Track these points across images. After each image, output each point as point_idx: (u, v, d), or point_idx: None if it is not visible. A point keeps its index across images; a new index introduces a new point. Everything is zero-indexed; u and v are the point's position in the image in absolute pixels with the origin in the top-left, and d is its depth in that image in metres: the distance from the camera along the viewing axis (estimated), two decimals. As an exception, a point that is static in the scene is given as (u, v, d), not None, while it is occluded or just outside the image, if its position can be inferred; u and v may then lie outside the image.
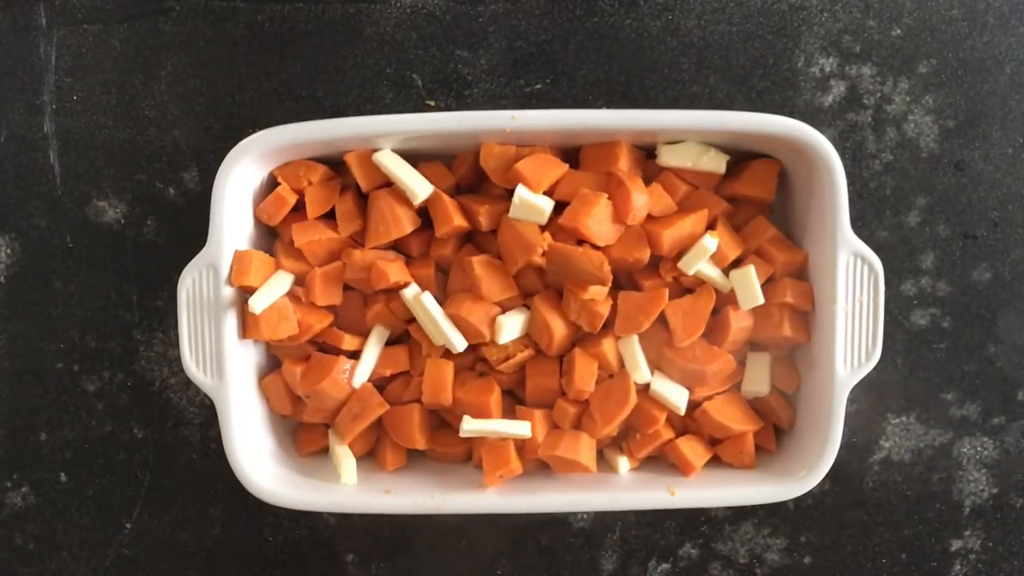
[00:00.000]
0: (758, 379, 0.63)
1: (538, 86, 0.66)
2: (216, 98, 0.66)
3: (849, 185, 0.58)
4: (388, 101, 0.66)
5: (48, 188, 0.66)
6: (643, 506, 0.61)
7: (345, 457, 0.62)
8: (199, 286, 0.58)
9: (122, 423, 0.68)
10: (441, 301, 0.60)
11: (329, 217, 0.62)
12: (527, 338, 0.61)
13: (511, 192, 0.59)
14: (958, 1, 0.66)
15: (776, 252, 0.61)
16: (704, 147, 0.60)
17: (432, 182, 0.60)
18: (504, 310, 0.61)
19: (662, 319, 0.60)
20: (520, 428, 0.60)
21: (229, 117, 0.66)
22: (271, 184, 0.61)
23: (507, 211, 0.59)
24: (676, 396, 0.61)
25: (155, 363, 0.67)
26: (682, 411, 0.61)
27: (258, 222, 0.62)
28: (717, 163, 0.61)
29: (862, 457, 0.68)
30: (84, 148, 0.66)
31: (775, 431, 0.65)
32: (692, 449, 0.62)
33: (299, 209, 0.61)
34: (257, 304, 0.58)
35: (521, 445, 0.62)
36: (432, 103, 0.66)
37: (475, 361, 0.63)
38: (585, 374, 0.60)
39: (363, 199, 0.62)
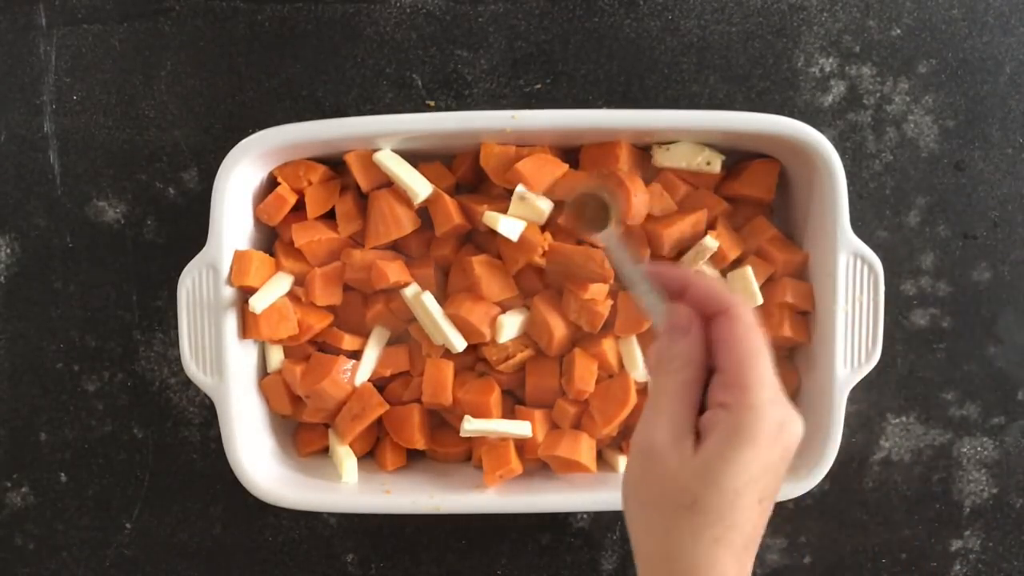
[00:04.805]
0: (758, 379, 0.63)
1: (538, 86, 0.66)
2: (216, 98, 0.66)
3: (849, 185, 0.58)
4: (388, 101, 0.66)
5: (48, 188, 0.66)
6: (643, 506, 0.61)
7: (346, 457, 0.62)
8: (199, 286, 0.58)
9: (122, 423, 0.68)
10: (441, 301, 0.60)
11: (329, 217, 0.62)
12: (527, 338, 0.61)
13: (511, 192, 0.59)
14: (958, 1, 0.66)
15: (776, 252, 0.61)
16: (698, 147, 0.60)
17: (432, 182, 0.60)
18: (504, 310, 0.61)
19: (662, 319, 0.60)
20: (520, 428, 0.60)
21: (229, 117, 0.66)
22: (271, 184, 0.61)
23: (507, 211, 0.59)
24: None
25: (155, 363, 0.67)
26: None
27: (258, 222, 0.62)
28: (712, 163, 0.61)
29: (862, 457, 0.68)
30: (84, 148, 0.66)
31: (775, 431, 0.65)
32: (692, 449, 0.62)
33: (299, 209, 0.61)
34: (257, 304, 0.58)
35: (521, 445, 0.62)
36: (432, 103, 0.66)
37: (475, 361, 0.63)
38: (585, 374, 0.60)
39: (363, 199, 0.62)
